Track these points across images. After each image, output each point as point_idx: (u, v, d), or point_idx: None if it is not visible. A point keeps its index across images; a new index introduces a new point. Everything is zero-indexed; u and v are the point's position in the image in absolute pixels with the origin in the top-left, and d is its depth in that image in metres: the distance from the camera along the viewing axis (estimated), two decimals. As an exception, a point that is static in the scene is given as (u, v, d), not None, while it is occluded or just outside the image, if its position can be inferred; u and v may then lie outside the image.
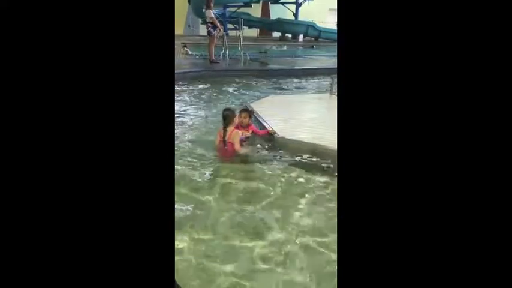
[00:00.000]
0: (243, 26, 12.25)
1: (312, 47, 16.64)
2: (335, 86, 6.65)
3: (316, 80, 9.22)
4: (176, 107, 5.70)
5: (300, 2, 19.87)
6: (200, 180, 3.45)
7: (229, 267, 2.19)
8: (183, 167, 3.62)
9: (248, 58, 11.16)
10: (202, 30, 14.78)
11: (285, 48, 16.41)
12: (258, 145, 4.34)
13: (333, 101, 6.63)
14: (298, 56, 13.65)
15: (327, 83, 7.73)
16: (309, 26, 18.75)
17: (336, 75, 8.77)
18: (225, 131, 3.98)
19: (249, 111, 4.58)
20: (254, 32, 20.47)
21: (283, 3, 20.24)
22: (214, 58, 10.44)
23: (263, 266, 2.24)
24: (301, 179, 3.50)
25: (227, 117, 4.03)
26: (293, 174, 3.60)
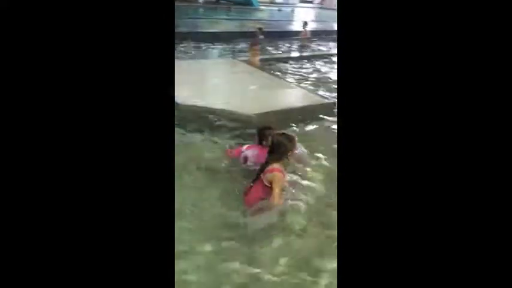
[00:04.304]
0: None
1: (229, 9, 16.03)
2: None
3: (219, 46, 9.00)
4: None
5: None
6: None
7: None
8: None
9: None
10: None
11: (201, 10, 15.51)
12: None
13: (236, 66, 6.60)
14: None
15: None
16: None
17: (240, 40, 8.69)
18: (266, 163, 2.61)
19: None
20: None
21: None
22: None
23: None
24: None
25: (280, 145, 2.60)
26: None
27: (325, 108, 4.91)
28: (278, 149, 2.59)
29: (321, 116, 4.71)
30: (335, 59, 8.87)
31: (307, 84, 6.39)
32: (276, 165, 2.54)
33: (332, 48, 10.27)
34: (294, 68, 7.73)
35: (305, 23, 10.77)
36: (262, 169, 2.58)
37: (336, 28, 13.81)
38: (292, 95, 5.33)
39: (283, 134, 2.79)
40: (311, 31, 11.13)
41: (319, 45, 10.52)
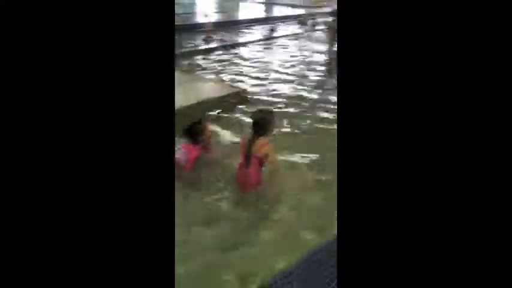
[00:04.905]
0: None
1: None
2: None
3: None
4: None
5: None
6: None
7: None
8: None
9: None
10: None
11: None
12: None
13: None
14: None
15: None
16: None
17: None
18: (251, 142, 2.75)
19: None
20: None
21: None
22: None
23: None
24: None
25: (263, 122, 2.75)
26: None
27: (239, 96, 5.18)
28: (261, 125, 2.74)
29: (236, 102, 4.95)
30: (240, 47, 9.20)
31: (218, 75, 6.55)
32: (263, 140, 2.73)
33: (235, 37, 10.52)
34: (202, 60, 7.81)
35: (205, 15, 10.79)
36: (250, 149, 2.72)
37: (239, 18, 14.12)
38: (207, 87, 5.46)
39: (261, 110, 3.00)
40: (213, 22, 11.21)
41: (223, 35, 10.70)
